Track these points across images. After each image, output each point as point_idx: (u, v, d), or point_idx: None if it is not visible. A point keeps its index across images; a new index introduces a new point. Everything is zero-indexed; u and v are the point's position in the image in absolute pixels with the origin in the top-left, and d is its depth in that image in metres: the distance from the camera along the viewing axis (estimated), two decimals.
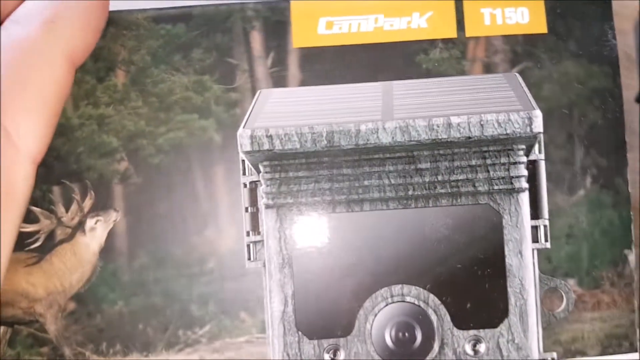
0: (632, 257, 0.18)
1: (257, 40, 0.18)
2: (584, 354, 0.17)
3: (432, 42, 0.19)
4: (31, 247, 0.17)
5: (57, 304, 0.17)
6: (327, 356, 0.17)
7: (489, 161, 0.18)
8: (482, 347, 0.17)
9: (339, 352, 0.17)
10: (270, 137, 0.17)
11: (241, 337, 0.17)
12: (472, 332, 0.17)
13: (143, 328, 0.17)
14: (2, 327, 0.17)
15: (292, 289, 0.17)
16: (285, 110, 0.18)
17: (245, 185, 0.18)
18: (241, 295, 0.17)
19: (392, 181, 0.18)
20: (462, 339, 0.17)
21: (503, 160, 0.18)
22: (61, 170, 0.17)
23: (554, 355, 0.17)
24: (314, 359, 0.17)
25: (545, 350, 0.17)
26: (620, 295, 0.18)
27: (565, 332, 0.17)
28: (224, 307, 0.17)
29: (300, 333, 0.17)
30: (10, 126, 0.14)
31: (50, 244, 0.17)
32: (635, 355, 0.17)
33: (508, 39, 0.19)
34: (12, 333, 0.17)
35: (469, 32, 0.19)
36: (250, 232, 0.17)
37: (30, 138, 0.15)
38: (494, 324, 0.17)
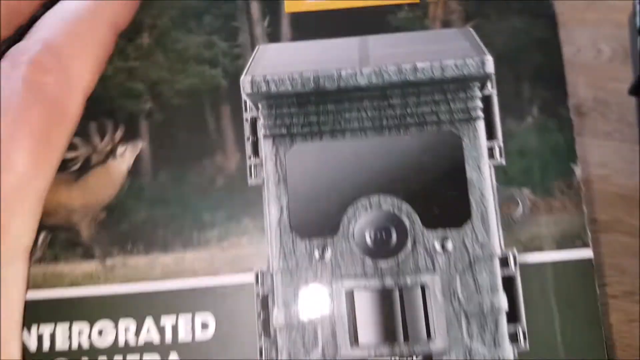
0: (578, 171, 0.21)
1: (256, 8, 0.23)
2: (541, 249, 0.20)
3: (399, 6, 0.23)
4: (71, 169, 0.20)
5: (91, 214, 0.20)
6: (316, 252, 0.20)
7: (449, 96, 0.21)
8: (449, 245, 0.20)
9: (326, 249, 0.20)
10: (267, 81, 0.21)
11: (244, 237, 0.20)
12: (439, 231, 0.20)
13: (163, 232, 0.20)
14: (44, 233, 0.20)
15: (286, 199, 0.20)
16: (279, 61, 0.22)
17: (247, 120, 0.21)
18: (245, 205, 0.20)
19: (369, 114, 0.21)
20: (432, 238, 0.20)
21: (461, 95, 0.21)
22: (97, 110, 0.21)
23: (514, 250, 0.20)
24: (306, 255, 0.20)
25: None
26: (570, 202, 0.20)
27: (523, 233, 0.20)
28: (231, 214, 0.20)
29: (294, 233, 0.20)
30: (70, 64, 0.18)
31: (86, 166, 0.21)
32: (588, 250, 0.20)
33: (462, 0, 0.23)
34: (52, 237, 0.20)
35: None
36: (252, 156, 0.21)
37: (84, 74, 0.19)
38: (458, 224, 0.20)
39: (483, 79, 0.21)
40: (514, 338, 0.19)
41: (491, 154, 0.21)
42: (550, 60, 0.22)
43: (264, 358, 0.19)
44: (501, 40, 0.22)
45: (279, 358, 0.19)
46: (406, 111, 0.21)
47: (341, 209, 0.20)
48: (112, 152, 0.21)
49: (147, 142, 0.21)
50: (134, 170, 0.21)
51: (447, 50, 0.22)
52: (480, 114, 0.21)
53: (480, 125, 0.21)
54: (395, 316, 0.19)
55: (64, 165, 0.20)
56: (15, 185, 0.17)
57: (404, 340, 0.19)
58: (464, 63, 0.21)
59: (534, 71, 0.22)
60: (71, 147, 0.20)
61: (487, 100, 0.21)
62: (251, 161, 0.21)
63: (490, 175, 0.20)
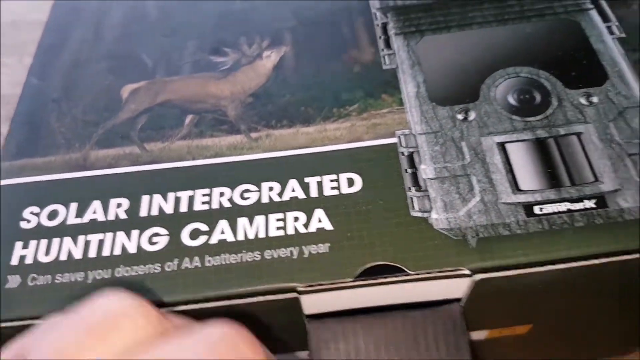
0: None
1: None
2: None
3: None
4: (221, 69, 0.22)
5: (238, 100, 0.21)
6: (459, 115, 0.20)
7: None
8: (595, 99, 0.19)
9: (470, 112, 0.20)
10: None
11: (383, 109, 0.20)
12: (582, 90, 0.20)
13: (304, 109, 0.21)
14: (191, 116, 0.21)
15: (422, 77, 0.21)
16: None
17: (377, 25, 0.23)
18: (382, 85, 0.21)
19: (491, 12, 0.23)
20: (576, 95, 0.20)
21: None
22: (243, 28, 0.24)
23: None
24: (448, 118, 0.20)
25: None
26: None
27: None
28: (369, 92, 0.21)
29: (433, 103, 0.20)
30: None
31: (235, 67, 0.22)
32: None
33: None
34: (199, 118, 0.21)
35: None
36: (384, 49, 0.22)
37: None
38: (600, 83, 0.20)
39: None
40: None
41: (610, 31, 0.21)
42: None
43: (416, 208, 0.18)
44: None
45: (433, 206, 0.18)
46: (523, 7, 0.23)
47: (478, 80, 0.21)
48: (258, 55, 0.23)
49: (290, 47, 0.23)
50: (279, 66, 0.22)
51: None
52: (590, 5, 0.22)
53: (593, 13, 0.22)
54: (555, 162, 0.18)
55: (214, 67, 0.22)
56: None
57: (571, 184, 0.18)
58: None
59: None
60: (222, 54, 0.23)
61: None
62: (384, 52, 0.22)
63: (615, 45, 0.21)
